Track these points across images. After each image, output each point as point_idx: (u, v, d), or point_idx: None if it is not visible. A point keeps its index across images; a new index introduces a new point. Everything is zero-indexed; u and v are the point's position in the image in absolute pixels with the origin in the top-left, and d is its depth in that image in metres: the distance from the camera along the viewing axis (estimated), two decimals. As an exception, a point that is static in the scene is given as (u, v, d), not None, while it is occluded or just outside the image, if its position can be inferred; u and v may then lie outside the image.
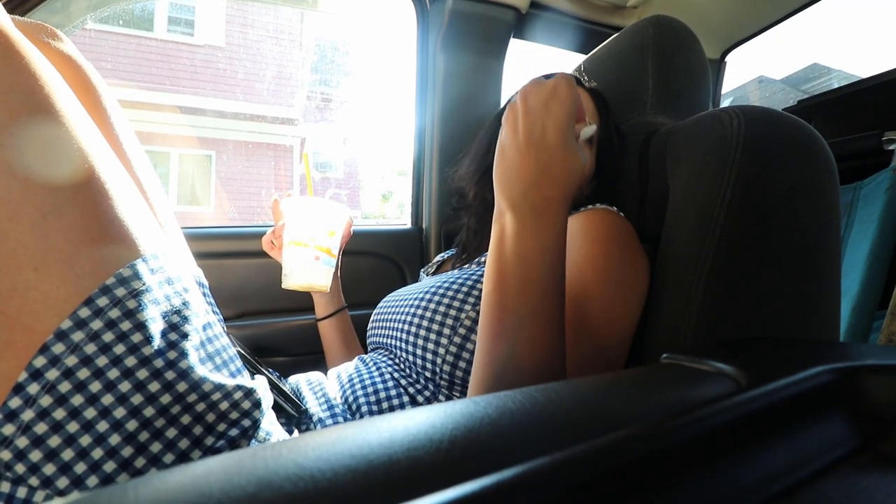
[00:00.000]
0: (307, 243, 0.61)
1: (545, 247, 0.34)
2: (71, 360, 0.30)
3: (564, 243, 0.35)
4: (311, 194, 0.66)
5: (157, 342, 0.33)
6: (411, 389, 0.51)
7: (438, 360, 0.49)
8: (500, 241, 0.35)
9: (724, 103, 1.61)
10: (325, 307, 0.75)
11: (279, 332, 0.89)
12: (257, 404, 0.38)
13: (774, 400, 0.23)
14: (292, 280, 0.61)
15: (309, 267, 0.61)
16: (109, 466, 0.30)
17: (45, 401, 0.29)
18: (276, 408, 0.45)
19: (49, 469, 0.29)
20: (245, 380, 0.39)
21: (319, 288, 0.63)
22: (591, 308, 0.42)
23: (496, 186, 0.36)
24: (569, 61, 0.94)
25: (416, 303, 0.52)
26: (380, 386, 0.51)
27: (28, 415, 0.28)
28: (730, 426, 0.21)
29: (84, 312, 0.30)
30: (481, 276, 0.51)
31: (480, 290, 0.49)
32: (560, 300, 0.35)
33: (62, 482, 0.29)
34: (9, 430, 0.28)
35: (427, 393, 0.51)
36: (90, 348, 0.30)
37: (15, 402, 0.28)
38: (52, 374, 0.29)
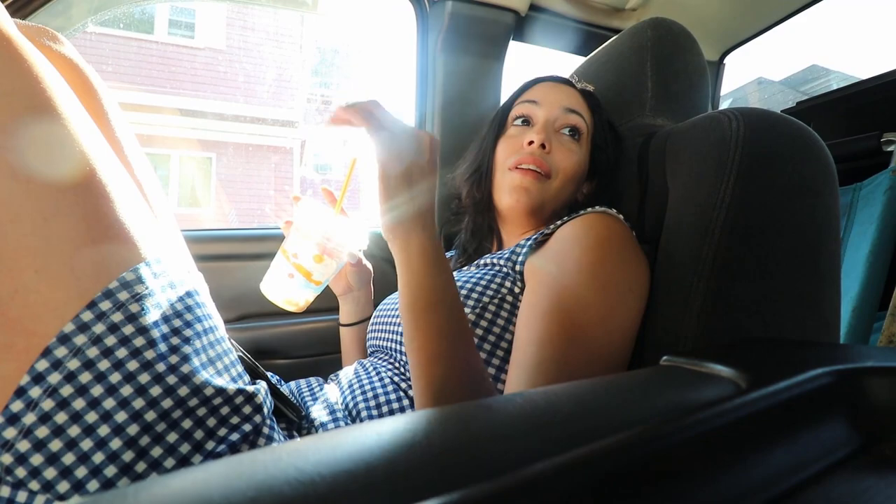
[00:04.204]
0: (289, 257, 0.54)
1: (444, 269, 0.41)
2: (73, 364, 0.30)
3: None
4: (337, 209, 0.57)
5: (159, 346, 0.33)
6: (411, 392, 0.51)
7: None
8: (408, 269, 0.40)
9: (723, 105, 1.61)
10: (350, 314, 0.72)
11: (279, 335, 0.89)
12: (258, 409, 0.38)
13: (774, 402, 0.23)
14: (262, 286, 0.57)
15: (281, 281, 0.55)
16: (110, 471, 0.30)
17: (47, 404, 0.29)
18: (277, 412, 0.45)
19: (50, 473, 0.29)
20: (246, 384, 0.39)
21: (283, 307, 0.56)
22: (589, 317, 0.41)
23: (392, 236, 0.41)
24: (568, 63, 0.94)
25: None
26: (380, 391, 0.51)
27: (30, 418, 0.28)
28: (730, 428, 0.21)
29: (87, 316, 0.30)
30: (480, 278, 0.51)
31: (479, 293, 0.49)
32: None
33: (62, 486, 0.29)
34: (10, 433, 0.28)
35: None
36: (92, 352, 0.30)
37: (17, 406, 0.28)
38: (55, 378, 0.29)
